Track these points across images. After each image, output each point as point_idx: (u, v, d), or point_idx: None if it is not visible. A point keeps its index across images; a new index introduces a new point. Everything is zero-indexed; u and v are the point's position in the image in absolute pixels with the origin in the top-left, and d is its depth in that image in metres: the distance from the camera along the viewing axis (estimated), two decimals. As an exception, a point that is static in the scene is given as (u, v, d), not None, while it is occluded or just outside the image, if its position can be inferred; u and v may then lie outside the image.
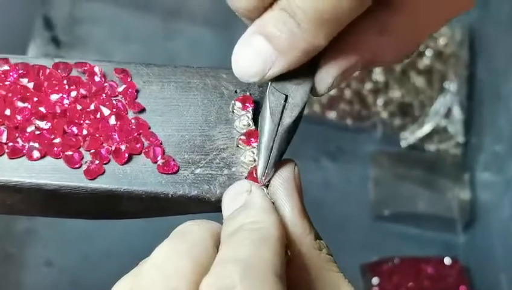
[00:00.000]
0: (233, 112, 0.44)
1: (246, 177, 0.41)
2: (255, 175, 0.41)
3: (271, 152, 0.40)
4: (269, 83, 0.40)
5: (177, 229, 0.38)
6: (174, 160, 0.42)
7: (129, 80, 0.44)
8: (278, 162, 0.41)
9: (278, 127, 0.40)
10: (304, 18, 0.36)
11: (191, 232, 0.37)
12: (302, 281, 0.38)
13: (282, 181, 0.40)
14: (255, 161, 0.41)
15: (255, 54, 0.38)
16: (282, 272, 0.34)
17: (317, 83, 0.40)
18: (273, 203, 0.39)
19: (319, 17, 0.36)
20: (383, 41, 0.40)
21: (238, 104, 0.43)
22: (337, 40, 0.38)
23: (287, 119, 0.40)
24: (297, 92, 0.40)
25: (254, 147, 0.42)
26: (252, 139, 0.42)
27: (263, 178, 0.40)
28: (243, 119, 0.43)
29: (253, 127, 0.43)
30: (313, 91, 0.41)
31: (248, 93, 0.44)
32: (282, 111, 0.40)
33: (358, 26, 0.39)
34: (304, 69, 0.39)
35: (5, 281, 0.97)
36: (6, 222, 0.98)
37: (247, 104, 0.44)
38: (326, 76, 0.40)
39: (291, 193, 0.40)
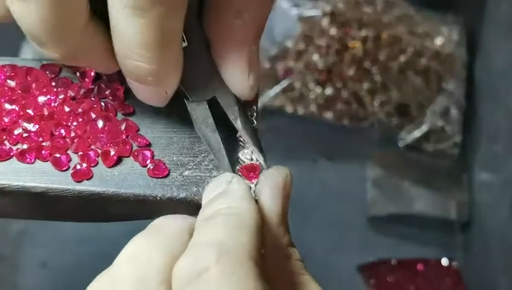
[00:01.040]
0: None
1: (238, 171, 0.41)
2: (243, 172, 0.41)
3: (225, 160, 0.40)
4: (186, 101, 0.40)
5: (152, 223, 0.37)
6: (164, 163, 0.41)
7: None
8: (271, 167, 0.41)
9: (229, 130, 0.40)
10: (141, 51, 0.36)
11: (165, 225, 0.37)
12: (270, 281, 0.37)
13: (271, 183, 0.40)
14: (251, 159, 0.41)
15: (144, 96, 0.40)
16: (258, 257, 0.34)
17: (235, 88, 0.40)
18: (256, 202, 0.39)
19: (150, 39, 0.36)
20: (246, 19, 0.39)
21: None
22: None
23: (234, 117, 0.40)
24: (217, 85, 0.40)
25: (248, 148, 0.42)
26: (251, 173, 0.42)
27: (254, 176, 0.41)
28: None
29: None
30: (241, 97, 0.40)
31: None
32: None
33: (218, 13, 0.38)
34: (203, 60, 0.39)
35: None
36: (0, 223, 0.98)
37: None
38: (238, 77, 0.39)
39: (276, 196, 0.39)
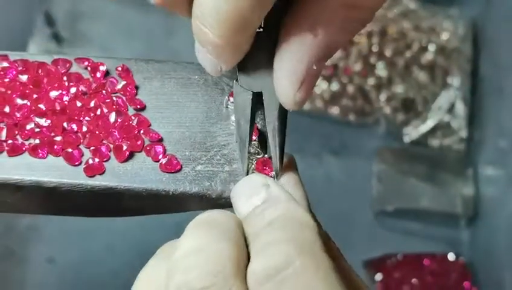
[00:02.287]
0: (227, 107, 0.43)
1: (254, 169, 0.41)
2: (261, 168, 0.41)
3: (246, 152, 0.40)
4: (234, 82, 0.39)
5: (197, 219, 0.36)
6: (176, 158, 0.41)
7: (131, 76, 0.44)
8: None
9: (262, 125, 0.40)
10: (212, 23, 0.35)
11: (216, 220, 0.36)
12: None
13: (290, 177, 0.40)
14: (258, 153, 0.41)
15: (202, 58, 0.37)
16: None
17: (277, 92, 0.38)
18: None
19: (224, 19, 0.34)
20: (320, 37, 0.38)
21: (232, 99, 0.43)
22: (280, 44, 0.37)
23: (270, 116, 0.39)
24: (267, 82, 0.39)
25: (255, 141, 0.42)
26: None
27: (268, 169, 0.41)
28: None
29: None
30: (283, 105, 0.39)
31: None
32: (263, 107, 0.39)
33: (294, 25, 0.37)
34: (266, 53, 0.38)
35: (7, 278, 0.97)
36: (9, 219, 0.98)
37: None
38: (284, 83, 0.38)
39: (299, 188, 0.40)
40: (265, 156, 0.42)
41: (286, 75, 0.38)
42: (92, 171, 0.41)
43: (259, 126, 0.42)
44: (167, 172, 0.41)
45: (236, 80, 0.39)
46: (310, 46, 0.37)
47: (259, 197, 0.38)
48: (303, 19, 0.37)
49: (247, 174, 0.41)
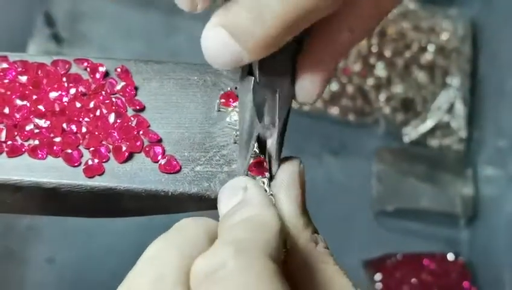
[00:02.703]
0: (219, 110, 0.43)
1: (247, 169, 0.41)
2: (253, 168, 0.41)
3: (249, 150, 0.40)
4: (252, 79, 0.39)
5: (173, 226, 0.38)
6: (176, 159, 0.41)
7: (130, 77, 0.44)
8: (283, 158, 0.41)
9: (269, 123, 0.40)
10: (272, 17, 0.35)
11: (185, 227, 0.37)
12: (299, 274, 0.38)
13: (287, 175, 0.40)
14: (254, 153, 0.41)
15: (222, 47, 0.36)
16: (277, 256, 0.34)
17: (299, 92, 0.40)
18: (274, 196, 0.40)
19: (287, 17, 0.35)
20: (356, 36, 0.39)
21: (222, 101, 0.43)
22: (311, 44, 0.38)
23: (282, 112, 0.40)
24: (284, 81, 0.39)
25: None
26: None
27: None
28: (233, 115, 0.43)
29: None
30: (297, 100, 0.40)
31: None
32: (275, 106, 0.39)
33: (328, 28, 0.38)
34: (287, 54, 0.38)
35: (7, 278, 0.97)
36: (8, 219, 0.98)
37: (230, 100, 0.43)
38: (308, 85, 0.39)
39: (294, 188, 0.40)
40: (261, 156, 0.42)
41: (315, 73, 0.39)
42: (92, 172, 0.41)
43: None
44: (166, 173, 0.41)
45: (255, 78, 0.39)
46: (338, 49, 0.39)
47: (236, 199, 0.38)
48: (335, 23, 0.38)
49: (246, 175, 0.41)
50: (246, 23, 0.35)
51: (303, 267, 0.38)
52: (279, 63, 0.38)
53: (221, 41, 0.36)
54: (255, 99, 0.39)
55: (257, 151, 0.42)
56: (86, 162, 0.41)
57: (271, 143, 0.41)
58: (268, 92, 0.39)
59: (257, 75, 0.39)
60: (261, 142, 0.41)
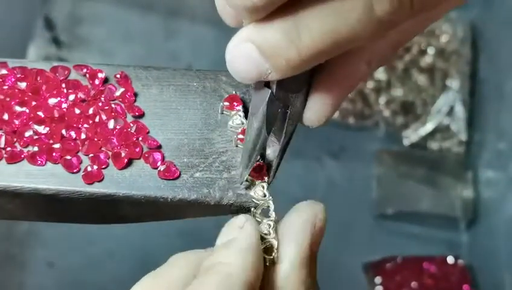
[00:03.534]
0: (222, 112, 0.44)
1: (250, 175, 0.41)
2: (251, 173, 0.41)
3: (252, 160, 0.40)
4: (269, 91, 0.39)
5: (163, 265, 0.38)
6: (175, 165, 0.41)
7: (129, 83, 0.44)
8: (307, 201, 0.40)
9: (276, 137, 0.40)
10: (309, 41, 0.34)
11: (172, 266, 0.37)
12: None
13: (299, 223, 0.38)
14: (265, 195, 0.41)
15: (249, 62, 0.35)
16: None
17: (307, 113, 0.39)
18: (277, 241, 0.38)
19: (325, 43, 0.34)
20: (372, 69, 0.39)
21: (226, 104, 0.43)
22: (328, 70, 0.38)
23: (290, 128, 0.40)
24: (297, 98, 0.39)
25: (265, 182, 0.41)
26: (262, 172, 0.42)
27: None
28: (235, 119, 0.43)
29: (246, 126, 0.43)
30: (304, 122, 0.40)
31: (241, 95, 0.44)
32: (284, 120, 0.39)
33: (347, 57, 0.38)
34: (306, 73, 0.38)
35: (7, 282, 0.97)
36: (8, 223, 0.98)
37: (234, 104, 0.43)
38: (318, 107, 0.39)
39: (302, 239, 0.38)
40: (261, 161, 0.42)
41: (323, 99, 0.39)
42: (91, 178, 0.41)
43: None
44: (166, 179, 0.41)
45: (272, 91, 0.39)
46: (353, 79, 0.39)
47: (230, 236, 0.38)
48: (357, 54, 0.38)
49: (246, 181, 0.41)
50: (279, 43, 0.35)
51: None
52: (297, 80, 0.38)
53: (249, 56, 0.35)
54: (268, 111, 0.39)
55: (244, 121, 0.42)
56: (85, 169, 0.41)
57: (271, 153, 0.41)
58: (282, 106, 0.39)
59: (274, 88, 0.39)
60: (262, 150, 0.41)
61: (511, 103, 1.06)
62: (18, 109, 0.43)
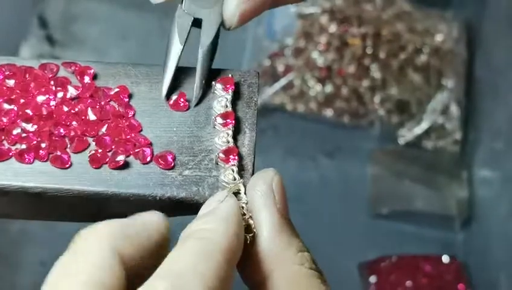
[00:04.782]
0: (214, 92, 0.43)
1: (218, 158, 0.41)
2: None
3: (171, 72, 0.43)
4: (178, 6, 0.43)
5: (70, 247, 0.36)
6: (172, 156, 0.41)
7: (88, 80, 0.44)
8: (256, 173, 0.40)
9: (183, 48, 0.43)
10: None
11: (83, 249, 0.35)
12: None
13: (260, 196, 0.38)
14: (235, 179, 0.41)
15: None
16: (217, 285, 0.33)
17: (225, 13, 0.42)
18: (252, 218, 0.38)
19: None
20: None
21: (219, 86, 0.43)
22: None
23: (205, 40, 0.43)
24: (210, 14, 0.43)
25: (234, 165, 0.41)
26: (231, 156, 0.41)
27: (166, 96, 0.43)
28: (221, 101, 0.43)
29: (230, 110, 0.43)
30: (222, 23, 0.43)
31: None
32: (200, 34, 0.43)
33: None
34: None
35: None
36: (0, 223, 0.98)
37: (227, 86, 0.43)
38: (231, 6, 0.42)
39: (268, 207, 0.38)
40: (230, 145, 0.41)
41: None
42: (98, 162, 0.41)
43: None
44: (159, 166, 0.41)
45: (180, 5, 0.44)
46: None
47: (208, 209, 0.38)
48: None
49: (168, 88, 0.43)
50: None
51: (284, 285, 0.36)
52: None
53: None
54: (178, 23, 0.43)
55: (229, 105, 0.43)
56: (90, 153, 0.41)
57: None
58: (193, 19, 0.43)
59: (185, 4, 0.43)
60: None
61: (506, 102, 1.06)
62: (6, 106, 0.42)
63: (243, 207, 0.39)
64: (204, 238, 0.35)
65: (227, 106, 0.43)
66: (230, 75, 0.44)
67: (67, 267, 0.34)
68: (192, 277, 0.32)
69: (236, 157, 0.41)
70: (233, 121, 0.42)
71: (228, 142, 0.42)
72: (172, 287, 0.32)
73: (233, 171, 0.41)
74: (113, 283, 0.33)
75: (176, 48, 0.43)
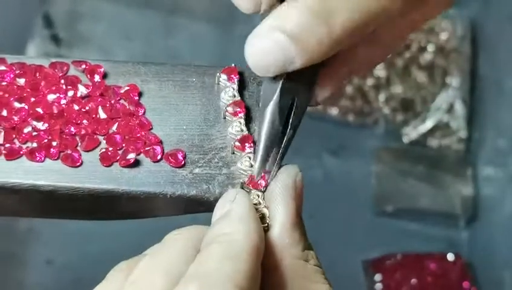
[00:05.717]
0: (218, 83, 0.43)
1: (246, 183, 0.40)
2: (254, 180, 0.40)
3: (273, 154, 0.40)
4: (280, 82, 0.39)
5: (159, 243, 0.37)
6: (183, 154, 0.41)
7: (98, 79, 0.44)
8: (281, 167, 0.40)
9: (283, 129, 0.40)
10: (340, 20, 0.34)
11: (171, 243, 0.37)
12: None
13: (280, 188, 0.39)
14: (251, 166, 0.41)
15: (275, 47, 0.35)
16: (248, 284, 0.33)
17: (319, 98, 0.41)
18: (267, 209, 0.39)
19: (356, 19, 0.34)
20: (372, 51, 0.40)
21: (224, 76, 0.43)
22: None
23: (296, 120, 0.40)
24: (304, 91, 0.39)
25: (250, 153, 0.41)
26: (247, 144, 0.41)
27: (262, 181, 0.40)
28: (228, 91, 0.43)
29: (239, 99, 0.43)
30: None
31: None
32: (290, 112, 0.39)
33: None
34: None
35: (6, 280, 0.97)
36: (8, 221, 0.98)
37: (232, 76, 0.43)
38: (324, 88, 0.40)
39: (287, 202, 0.38)
40: (244, 133, 0.42)
41: (327, 86, 0.40)
42: (109, 160, 0.41)
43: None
44: (170, 164, 0.41)
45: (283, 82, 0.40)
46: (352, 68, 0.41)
47: (223, 210, 0.38)
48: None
49: (262, 172, 0.41)
50: (310, 26, 0.34)
51: (289, 284, 0.36)
52: (304, 72, 0.38)
53: (276, 43, 0.35)
54: (281, 101, 0.39)
55: (236, 94, 0.43)
56: (104, 152, 0.41)
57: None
58: (290, 98, 0.39)
59: (284, 80, 0.39)
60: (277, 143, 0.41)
61: (510, 100, 1.06)
62: (17, 105, 0.43)
63: (258, 195, 0.40)
64: (228, 242, 0.35)
65: (235, 96, 0.43)
66: (233, 64, 0.44)
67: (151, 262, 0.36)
68: (220, 277, 0.33)
69: (252, 145, 0.41)
70: (244, 110, 0.43)
71: (242, 130, 0.42)
72: (201, 288, 0.32)
73: (249, 158, 0.41)
74: None
75: (275, 129, 0.40)
